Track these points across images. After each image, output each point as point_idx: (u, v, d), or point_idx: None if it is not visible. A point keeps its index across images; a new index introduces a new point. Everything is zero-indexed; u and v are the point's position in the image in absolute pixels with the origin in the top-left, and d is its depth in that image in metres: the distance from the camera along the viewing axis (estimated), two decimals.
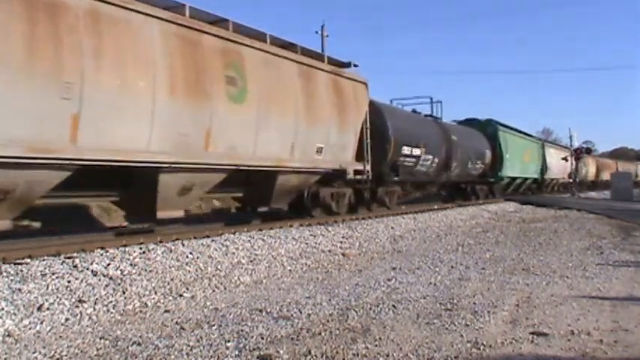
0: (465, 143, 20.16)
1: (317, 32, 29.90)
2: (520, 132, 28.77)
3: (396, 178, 14.83)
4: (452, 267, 7.38)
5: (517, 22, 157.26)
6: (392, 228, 11.60)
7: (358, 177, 12.77)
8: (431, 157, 16.81)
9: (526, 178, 29.24)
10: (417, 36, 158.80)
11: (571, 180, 34.00)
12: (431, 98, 20.77)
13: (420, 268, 7.33)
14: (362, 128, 12.92)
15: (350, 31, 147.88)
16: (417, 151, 15.72)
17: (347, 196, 13.13)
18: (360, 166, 12.79)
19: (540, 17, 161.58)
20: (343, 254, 8.65)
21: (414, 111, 19.19)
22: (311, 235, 9.46)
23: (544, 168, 31.77)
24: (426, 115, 19.71)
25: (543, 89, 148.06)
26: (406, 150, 15.09)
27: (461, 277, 6.63)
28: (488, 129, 24.09)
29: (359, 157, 12.84)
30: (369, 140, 13.08)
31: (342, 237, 9.81)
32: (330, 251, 8.72)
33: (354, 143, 12.62)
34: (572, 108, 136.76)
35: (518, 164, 26.55)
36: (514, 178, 26.68)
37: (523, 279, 6.42)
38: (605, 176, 49.11)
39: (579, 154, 35.66)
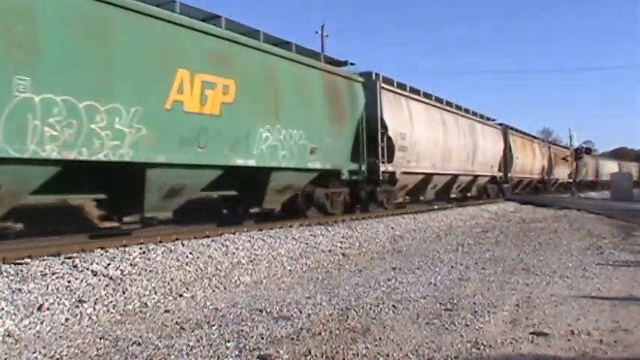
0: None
1: (317, 32, 29.96)
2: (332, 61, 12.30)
3: None
4: (452, 267, 7.38)
5: (517, 23, 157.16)
6: (392, 228, 11.60)
7: None
8: None
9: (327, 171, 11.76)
10: (416, 36, 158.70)
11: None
12: None
13: (420, 268, 7.33)
14: None
15: (349, 30, 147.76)
16: None
17: None
18: None
19: (541, 17, 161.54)
20: (343, 254, 8.65)
21: None
22: (311, 235, 9.46)
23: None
24: None
25: (543, 89, 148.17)
26: None
27: (461, 277, 6.63)
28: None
29: None
30: None
31: (342, 237, 9.80)
32: (330, 251, 8.72)
33: None
34: (572, 108, 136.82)
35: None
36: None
37: (523, 279, 6.42)
38: (560, 174, 34.89)
39: (580, 153, 35.43)
